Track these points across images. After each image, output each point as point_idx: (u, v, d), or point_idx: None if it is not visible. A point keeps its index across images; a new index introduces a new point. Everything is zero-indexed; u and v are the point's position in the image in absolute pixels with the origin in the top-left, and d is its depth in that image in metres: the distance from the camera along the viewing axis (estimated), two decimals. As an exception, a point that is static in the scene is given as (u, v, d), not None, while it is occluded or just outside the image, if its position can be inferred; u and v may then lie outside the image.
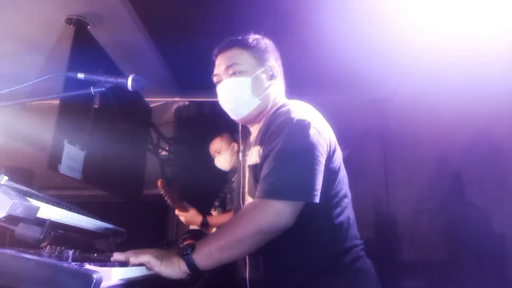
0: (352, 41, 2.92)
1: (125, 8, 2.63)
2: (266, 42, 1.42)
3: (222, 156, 2.77)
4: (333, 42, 2.93)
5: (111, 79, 1.27)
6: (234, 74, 1.35)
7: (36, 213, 1.04)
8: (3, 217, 0.95)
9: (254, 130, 1.42)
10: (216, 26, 2.80)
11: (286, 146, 1.18)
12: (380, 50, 2.98)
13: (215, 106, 4.07)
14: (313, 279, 1.21)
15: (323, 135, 1.23)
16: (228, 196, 2.78)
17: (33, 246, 1.03)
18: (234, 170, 2.76)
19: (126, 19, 2.76)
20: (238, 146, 2.84)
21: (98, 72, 1.34)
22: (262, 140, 1.28)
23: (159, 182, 2.38)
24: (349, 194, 1.33)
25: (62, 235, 1.21)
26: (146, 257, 1.09)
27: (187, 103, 4.15)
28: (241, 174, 1.43)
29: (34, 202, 1.06)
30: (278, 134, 1.20)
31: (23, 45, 3.03)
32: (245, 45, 1.38)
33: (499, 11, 2.11)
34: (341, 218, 1.26)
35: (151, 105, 3.99)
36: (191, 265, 1.10)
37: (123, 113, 3.03)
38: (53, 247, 0.96)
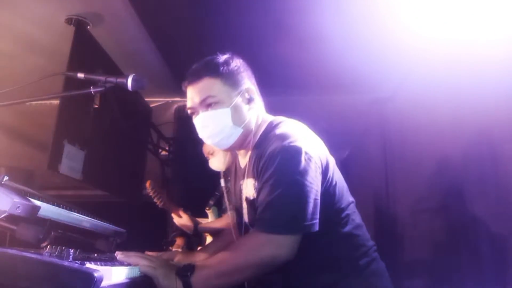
0: (352, 41, 2.92)
1: (125, 8, 2.63)
2: (236, 63, 1.34)
3: (216, 158, 2.75)
4: (333, 42, 2.94)
5: (111, 79, 1.27)
6: (210, 106, 1.28)
7: (37, 213, 1.04)
8: (4, 217, 0.95)
9: (243, 155, 1.40)
10: (216, 26, 2.81)
11: (279, 179, 1.17)
12: (380, 50, 2.99)
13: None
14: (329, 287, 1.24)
15: (314, 158, 1.21)
16: (224, 194, 2.76)
17: (34, 245, 1.04)
18: (229, 170, 2.75)
19: (126, 19, 2.76)
20: None
21: (98, 72, 1.34)
22: (255, 172, 1.27)
23: (147, 183, 2.35)
24: (351, 199, 1.35)
25: (62, 235, 1.21)
26: (153, 265, 1.11)
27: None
28: (236, 195, 1.45)
29: (34, 202, 1.06)
30: (271, 166, 1.19)
31: (23, 45, 3.03)
32: (215, 73, 1.29)
33: (499, 11, 2.11)
34: (349, 226, 1.28)
35: (151, 105, 3.99)
36: (188, 287, 1.11)
37: (123, 113, 3.03)
38: (54, 246, 0.96)
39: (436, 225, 2.90)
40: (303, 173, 1.17)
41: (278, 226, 1.14)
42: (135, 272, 1.07)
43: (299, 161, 1.17)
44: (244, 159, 1.39)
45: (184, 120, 4.12)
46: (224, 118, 1.27)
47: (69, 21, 2.69)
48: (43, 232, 1.03)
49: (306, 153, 1.19)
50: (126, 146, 3.35)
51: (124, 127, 3.07)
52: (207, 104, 1.28)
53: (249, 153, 1.34)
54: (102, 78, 1.28)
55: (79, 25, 2.68)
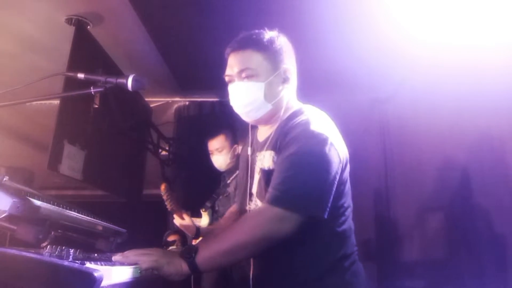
0: (352, 41, 2.92)
1: (125, 8, 2.63)
2: (281, 42, 1.36)
3: (222, 156, 2.73)
4: (333, 42, 2.94)
5: (111, 79, 1.27)
6: (247, 77, 1.31)
7: (36, 213, 1.04)
8: (4, 217, 0.95)
9: (266, 130, 1.41)
10: (216, 26, 2.80)
11: (303, 159, 1.19)
12: (380, 50, 2.99)
13: (215, 106, 4.11)
14: (313, 282, 1.25)
15: (338, 151, 1.24)
16: (221, 197, 2.75)
17: (34, 245, 1.03)
18: (229, 171, 2.74)
19: (126, 19, 2.76)
20: (239, 148, 2.81)
21: (98, 72, 1.34)
22: (276, 146, 1.28)
23: (162, 186, 2.36)
24: (351, 204, 1.36)
25: (62, 235, 1.21)
26: (148, 258, 1.10)
27: (187, 103, 4.15)
28: (248, 173, 1.43)
29: (34, 202, 1.06)
30: (295, 145, 1.21)
31: (23, 45, 3.03)
32: (259, 47, 1.32)
33: (499, 11, 2.11)
34: (344, 227, 1.30)
35: (151, 105, 3.99)
36: (193, 268, 1.12)
37: (123, 113, 3.03)
38: (54, 246, 0.96)
39: (436, 225, 2.90)
40: (328, 161, 1.19)
41: (288, 200, 1.14)
42: (135, 272, 1.06)
43: (325, 149, 1.19)
44: (265, 133, 1.40)
45: (184, 120, 4.13)
46: (257, 91, 1.31)
47: (69, 21, 2.69)
48: (43, 232, 1.03)
49: (332, 144, 1.21)
50: (126, 146, 3.35)
51: (124, 127, 3.07)
52: (244, 75, 1.31)
53: (274, 128, 1.36)
54: (102, 78, 1.27)
55: (79, 25, 2.68)
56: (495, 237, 2.17)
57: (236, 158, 2.76)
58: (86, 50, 2.66)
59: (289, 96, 1.38)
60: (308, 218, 1.16)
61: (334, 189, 1.21)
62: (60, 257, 0.88)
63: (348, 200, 1.33)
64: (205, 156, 2.87)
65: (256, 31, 1.36)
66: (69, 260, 0.86)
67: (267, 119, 1.37)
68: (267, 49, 1.33)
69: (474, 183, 2.39)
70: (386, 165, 3.95)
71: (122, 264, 1.09)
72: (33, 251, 0.94)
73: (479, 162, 2.34)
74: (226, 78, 1.37)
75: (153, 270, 1.10)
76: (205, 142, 2.78)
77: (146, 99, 3.81)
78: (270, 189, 1.19)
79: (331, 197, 1.19)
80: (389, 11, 2.59)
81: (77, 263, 0.85)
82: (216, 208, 2.76)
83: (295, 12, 2.65)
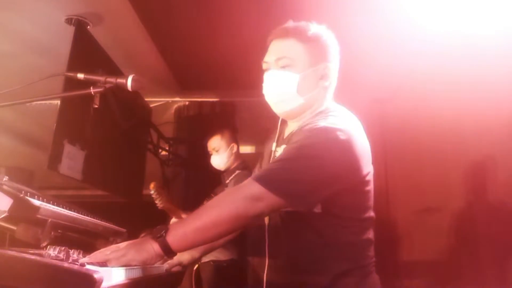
0: (352, 40, 2.92)
1: (125, 8, 2.63)
2: (327, 38, 1.32)
3: (219, 156, 2.74)
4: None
5: (111, 79, 1.27)
6: (283, 67, 1.26)
7: (37, 213, 1.04)
8: (4, 217, 0.95)
9: (293, 126, 1.36)
10: (216, 26, 2.80)
11: (301, 149, 1.16)
12: (380, 50, 2.98)
13: (215, 106, 4.11)
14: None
15: (353, 154, 1.19)
16: None
17: (34, 246, 1.03)
18: (229, 171, 2.74)
19: (126, 19, 2.76)
20: (238, 147, 2.82)
21: (98, 72, 1.33)
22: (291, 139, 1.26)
23: (152, 184, 2.34)
24: (373, 215, 1.32)
25: (62, 235, 1.21)
26: (121, 253, 1.05)
27: (187, 103, 4.14)
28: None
29: (34, 202, 1.06)
30: (301, 136, 1.19)
31: (23, 45, 3.02)
32: (302, 38, 1.27)
33: (499, 10, 2.11)
34: (365, 237, 1.27)
35: (151, 105, 3.98)
36: (165, 247, 1.07)
37: (123, 113, 3.03)
38: (54, 247, 0.96)
39: (436, 225, 2.90)
40: (327, 158, 1.15)
41: (269, 179, 1.11)
42: (135, 272, 1.06)
43: (330, 147, 1.15)
44: (292, 128, 1.35)
45: (184, 120, 4.13)
46: (290, 83, 1.26)
47: (69, 21, 2.69)
48: (43, 232, 1.03)
49: (345, 146, 1.17)
50: (126, 146, 3.35)
51: (124, 127, 3.06)
52: (281, 64, 1.27)
53: (301, 124, 1.30)
54: (102, 78, 1.27)
55: (79, 25, 2.68)
56: (495, 237, 2.17)
57: (235, 157, 2.77)
58: (86, 50, 2.65)
59: (324, 94, 1.33)
60: (282, 205, 1.12)
61: (328, 189, 1.15)
62: (60, 258, 0.88)
63: (370, 211, 1.28)
64: (205, 156, 2.87)
65: (304, 22, 1.32)
66: (69, 261, 0.86)
67: (296, 114, 1.32)
68: (310, 41, 1.28)
69: (474, 183, 2.39)
70: (386, 165, 3.95)
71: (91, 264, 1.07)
72: (33, 251, 0.94)
73: (479, 161, 2.34)
74: (264, 66, 1.32)
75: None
76: (205, 143, 2.79)
77: (146, 99, 3.81)
78: None
79: (319, 195, 1.15)
80: (389, 11, 2.59)
81: (77, 264, 0.85)
82: None
83: (295, 12, 2.64)
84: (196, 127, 3.92)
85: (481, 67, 2.21)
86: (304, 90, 1.27)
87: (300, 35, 1.28)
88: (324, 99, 1.33)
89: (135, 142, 3.59)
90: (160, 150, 4.02)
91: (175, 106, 4.18)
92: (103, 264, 1.01)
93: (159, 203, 2.38)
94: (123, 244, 1.10)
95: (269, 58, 1.30)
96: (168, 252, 1.08)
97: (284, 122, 1.43)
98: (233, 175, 2.67)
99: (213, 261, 2.65)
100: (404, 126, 3.51)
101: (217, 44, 2.90)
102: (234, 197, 1.13)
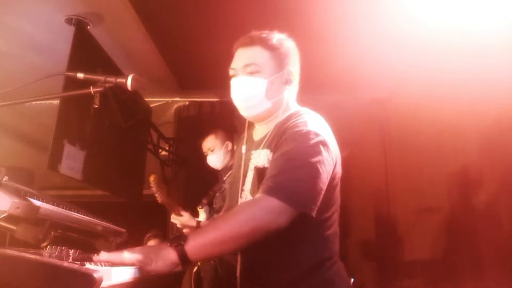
0: (352, 40, 2.92)
1: (125, 8, 2.63)
2: (289, 45, 1.41)
3: (215, 155, 2.76)
4: (333, 41, 2.94)
5: (111, 79, 1.27)
6: (251, 73, 1.34)
7: (36, 213, 1.04)
8: (4, 217, 0.95)
9: (262, 129, 1.43)
10: (216, 26, 2.80)
11: (298, 156, 1.21)
12: (380, 49, 2.99)
13: (215, 106, 4.11)
14: (295, 282, 1.26)
15: (332, 153, 1.27)
16: (217, 194, 2.76)
17: (34, 246, 1.03)
18: (226, 168, 2.75)
19: (126, 19, 2.76)
20: (232, 145, 2.83)
21: (98, 72, 1.34)
22: (273, 145, 1.30)
23: (152, 177, 2.33)
24: (338, 209, 1.38)
25: (62, 235, 1.21)
26: (134, 258, 1.05)
27: (187, 103, 4.15)
28: (241, 170, 1.43)
29: (34, 202, 1.06)
30: (292, 143, 1.23)
31: (23, 45, 3.03)
32: (268, 46, 1.35)
33: (501, 8, 2.11)
34: (331, 231, 1.32)
35: (151, 105, 3.99)
36: (183, 256, 1.08)
37: (123, 113, 3.03)
38: (54, 247, 0.96)
39: (436, 225, 2.90)
40: (321, 161, 1.21)
41: (283, 192, 1.14)
42: (135, 272, 1.06)
43: (320, 150, 1.22)
44: (262, 132, 1.42)
45: (184, 120, 4.13)
46: (259, 88, 1.33)
47: (69, 21, 2.69)
48: (43, 232, 1.03)
49: (327, 146, 1.25)
50: (126, 146, 3.35)
51: (124, 127, 3.07)
52: (249, 70, 1.34)
53: (270, 127, 1.38)
54: (101, 78, 1.28)
55: (79, 25, 2.68)
56: (495, 237, 2.17)
57: (231, 155, 2.78)
58: (86, 50, 2.66)
59: (289, 98, 1.41)
60: (298, 214, 1.16)
61: (324, 189, 1.22)
62: (60, 257, 0.88)
63: (337, 205, 1.35)
64: (205, 156, 2.88)
65: (266, 31, 1.39)
66: (69, 260, 0.86)
67: (264, 117, 1.39)
68: (275, 49, 1.36)
69: (474, 182, 2.39)
70: (386, 165, 3.95)
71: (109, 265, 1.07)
72: (33, 251, 0.94)
73: (479, 160, 2.34)
74: (231, 72, 1.39)
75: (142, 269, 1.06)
76: (199, 145, 2.82)
77: (146, 99, 3.81)
78: (264, 181, 1.20)
79: (320, 197, 1.20)
80: (389, 10, 2.59)
81: (77, 263, 0.85)
82: (214, 205, 2.77)
83: (295, 12, 2.65)
84: (196, 127, 3.92)
85: (483, 66, 2.20)
86: (272, 95, 1.35)
87: (265, 43, 1.36)
88: (289, 102, 1.41)
89: (135, 142, 3.59)
90: (160, 150, 4.02)
91: (175, 106, 4.19)
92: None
93: (158, 196, 2.37)
94: (140, 248, 1.11)
95: (237, 64, 1.37)
96: (185, 261, 1.09)
97: (251, 125, 1.50)
98: (230, 171, 2.69)
99: (214, 261, 2.65)
100: (404, 126, 3.51)
101: (217, 44, 2.89)
102: (253, 212, 1.15)
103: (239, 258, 1.33)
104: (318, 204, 1.19)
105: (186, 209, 2.57)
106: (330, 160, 1.25)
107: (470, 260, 2.40)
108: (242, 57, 1.36)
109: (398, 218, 3.71)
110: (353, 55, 3.02)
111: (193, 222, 2.40)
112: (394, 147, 3.82)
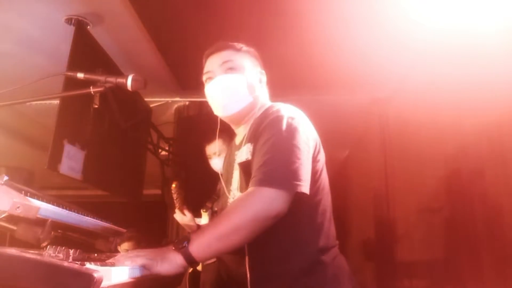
0: (352, 40, 2.92)
1: (125, 8, 2.63)
2: (255, 52, 1.47)
3: (220, 159, 2.75)
4: (333, 41, 2.94)
5: (111, 79, 1.28)
6: (230, 69, 1.37)
7: (37, 213, 1.04)
8: (4, 217, 0.95)
9: (241, 130, 1.45)
10: (215, 27, 2.80)
11: (280, 141, 1.23)
12: (380, 49, 2.99)
13: (215, 106, 4.11)
14: (296, 278, 1.26)
15: (312, 134, 1.31)
16: (219, 198, 2.76)
17: (34, 245, 1.03)
18: None
19: (126, 19, 2.76)
20: None
21: (98, 72, 1.34)
22: (253, 137, 1.31)
23: (174, 184, 2.37)
24: (330, 198, 1.38)
25: (62, 235, 1.21)
26: (141, 260, 1.07)
27: (187, 103, 4.15)
28: (228, 174, 1.46)
29: (34, 202, 1.06)
30: (270, 130, 1.25)
31: (23, 45, 3.03)
32: (238, 49, 1.42)
33: (501, 9, 2.11)
34: (322, 218, 1.32)
35: (151, 105, 3.99)
36: (189, 258, 1.09)
37: (123, 113, 3.03)
38: (54, 247, 0.96)
39: (436, 225, 2.90)
40: (302, 141, 1.24)
41: (273, 179, 1.16)
42: (135, 272, 1.06)
43: (298, 130, 1.25)
44: (241, 133, 1.44)
45: (184, 120, 4.13)
46: (241, 82, 1.37)
47: (69, 21, 2.69)
48: (43, 232, 1.03)
49: (304, 127, 1.29)
50: (126, 146, 3.35)
51: (124, 127, 3.07)
52: (227, 67, 1.37)
53: (248, 126, 1.39)
54: (102, 78, 1.28)
55: (79, 25, 2.68)
56: (495, 237, 2.17)
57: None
58: (86, 50, 2.66)
59: (263, 96, 1.45)
60: (292, 196, 1.17)
61: (311, 166, 1.25)
62: (60, 257, 0.88)
63: (326, 189, 1.35)
64: (205, 156, 2.88)
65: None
66: (69, 260, 0.86)
67: (243, 115, 1.40)
68: (244, 51, 1.43)
69: (474, 181, 2.39)
70: (386, 165, 3.95)
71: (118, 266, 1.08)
72: (33, 251, 0.94)
73: (479, 161, 2.34)
74: (205, 76, 1.42)
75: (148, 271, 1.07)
76: (203, 145, 2.80)
77: (146, 99, 3.81)
78: (253, 174, 1.21)
79: (309, 173, 1.23)
80: (388, 11, 2.59)
81: (77, 263, 0.85)
82: (215, 208, 2.77)
83: (295, 12, 2.65)
84: (196, 127, 3.92)
85: (482, 67, 2.20)
86: (252, 90, 1.39)
87: (234, 47, 1.42)
88: (264, 100, 1.45)
89: (135, 142, 3.59)
90: (160, 150, 4.02)
91: (175, 106, 4.19)
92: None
93: (177, 204, 2.39)
94: (146, 250, 1.11)
95: (212, 66, 1.40)
96: (192, 262, 1.10)
97: (224, 135, 1.52)
98: None
99: (216, 261, 2.65)
100: (404, 126, 3.51)
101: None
102: (250, 202, 1.16)
103: (246, 252, 1.30)
104: (309, 181, 1.21)
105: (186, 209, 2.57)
106: (312, 140, 1.29)
107: (470, 260, 2.40)
108: (216, 58, 1.39)
109: (398, 218, 3.71)
110: (353, 55, 3.02)
111: (193, 223, 2.42)
112: (394, 147, 3.82)
